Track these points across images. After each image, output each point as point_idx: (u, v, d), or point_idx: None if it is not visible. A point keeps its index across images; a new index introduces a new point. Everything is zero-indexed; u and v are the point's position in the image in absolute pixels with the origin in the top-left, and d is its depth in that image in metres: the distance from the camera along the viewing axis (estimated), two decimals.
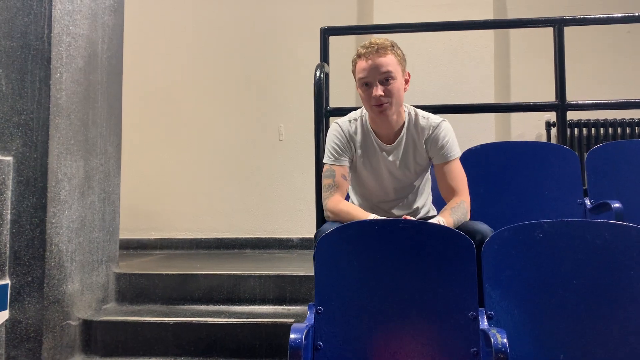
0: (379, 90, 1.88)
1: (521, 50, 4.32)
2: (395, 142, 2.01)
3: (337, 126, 2.06)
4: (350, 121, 2.06)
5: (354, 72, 1.99)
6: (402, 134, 2.01)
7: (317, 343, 1.56)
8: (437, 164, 2.00)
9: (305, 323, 1.53)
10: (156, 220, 4.40)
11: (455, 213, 1.86)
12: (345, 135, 2.03)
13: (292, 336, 1.41)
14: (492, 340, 1.32)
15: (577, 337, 1.49)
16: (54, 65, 2.33)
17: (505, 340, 1.31)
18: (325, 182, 2.02)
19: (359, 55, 1.94)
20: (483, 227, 1.78)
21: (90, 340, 2.46)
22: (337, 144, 2.02)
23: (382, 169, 2.03)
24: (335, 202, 1.96)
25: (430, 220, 1.78)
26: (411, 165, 2.02)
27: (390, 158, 2.02)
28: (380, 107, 1.91)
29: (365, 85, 1.92)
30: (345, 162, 2.02)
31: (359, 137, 2.03)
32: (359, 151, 2.03)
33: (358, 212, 1.90)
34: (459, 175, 1.98)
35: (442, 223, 1.76)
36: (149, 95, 4.48)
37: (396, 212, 2.06)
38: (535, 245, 1.57)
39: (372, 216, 1.85)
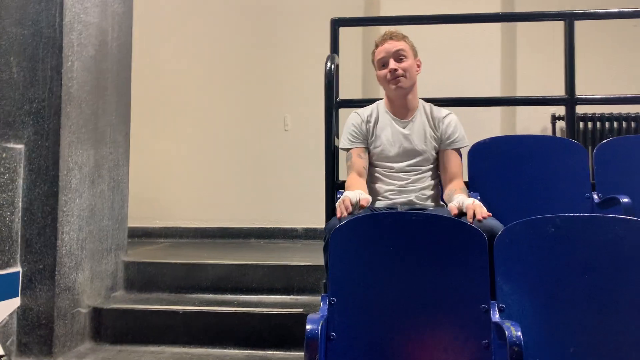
0: (393, 64, 2.09)
1: (527, 43, 4.31)
2: (409, 118, 2.19)
3: (354, 113, 2.25)
4: (367, 108, 2.26)
5: (373, 61, 2.20)
6: (415, 114, 2.20)
7: (330, 333, 1.57)
8: (443, 149, 2.18)
9: (319, 313, 1.54)
10: (161, 208, 4.41)
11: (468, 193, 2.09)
12: (362, 118, 2.20)
13: (308, 327, 1.42)
14: (506, 333, 1.33)
15: (588, 331, 1.50)
16: (65, 53, 2.33)
17: (519, 333, 1.32)
18: (346, 165, 2.19)
19: (376, 45, 2.18)
20: (494, 222, 1.82)
21: (100, 328, 2.49)
22: (354, 128, 2.19)
23: (396, 141, 2.15)
24: (347, 180, 2.13)
25: (454, 201, 1.93)
26: (421, 141, 2.16)
27: (405, 130, 2.16)
28: (396, 80, 2.10)
29: (383, 65, 2.13)
30: (362, 144, 2.18)
31: (374, 117, 2.20)
32: (375, 132, 2.18)
33: (351, 187, 2.02)
34: (460, 163, 2.20)
35: (466, 203, 1.87)
36: (155, 85, 4.46)
37: (402, 199, 2.11)
38: (547, 239, 1.57)
39: (357, 192, 1.90)
